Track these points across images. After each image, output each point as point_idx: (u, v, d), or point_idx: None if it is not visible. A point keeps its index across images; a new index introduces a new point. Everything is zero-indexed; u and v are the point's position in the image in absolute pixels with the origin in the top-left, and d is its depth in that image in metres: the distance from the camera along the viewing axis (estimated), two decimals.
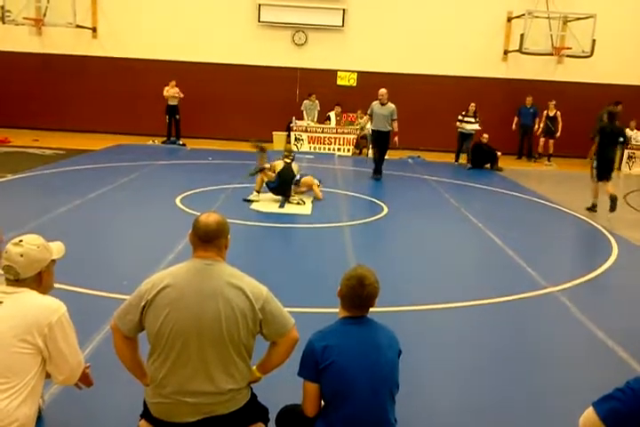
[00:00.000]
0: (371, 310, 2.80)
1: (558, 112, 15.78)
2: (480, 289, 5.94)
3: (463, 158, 14.92)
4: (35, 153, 12.97)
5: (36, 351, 2.57)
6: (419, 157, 15.52)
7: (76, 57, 16.77)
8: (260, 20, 16.69)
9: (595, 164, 10.08)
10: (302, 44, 17.02)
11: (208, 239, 2.73)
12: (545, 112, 15.94)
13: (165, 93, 15.33)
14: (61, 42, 16.65)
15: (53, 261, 2.79)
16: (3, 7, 15.26)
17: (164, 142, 15.73)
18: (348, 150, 15.81)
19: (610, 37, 15.62)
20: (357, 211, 9.18)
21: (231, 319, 2.64)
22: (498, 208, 10.17)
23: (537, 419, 3.65)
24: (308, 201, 9.44)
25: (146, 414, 2.81)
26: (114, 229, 7.64)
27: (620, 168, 15.52)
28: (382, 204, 9.52)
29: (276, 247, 7.25)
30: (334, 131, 15.83)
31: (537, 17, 15.46)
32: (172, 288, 2.66)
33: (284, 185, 9.24)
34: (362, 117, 15.87)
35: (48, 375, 2.70)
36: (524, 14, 15.44)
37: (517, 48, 15.73)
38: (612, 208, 9.56)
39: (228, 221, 2.85)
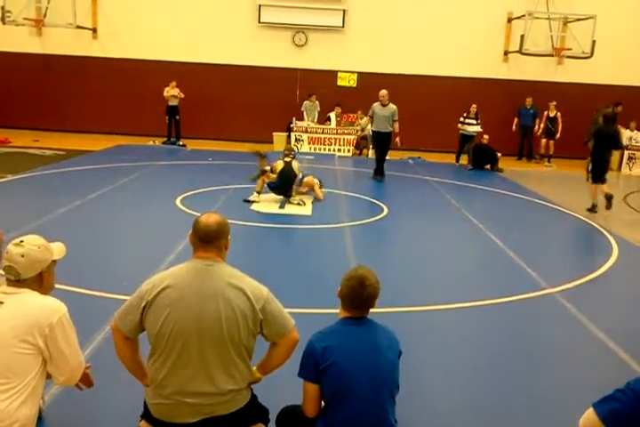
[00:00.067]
0: (371, 310, 2.80)
1: (559, 113, 15.78)
2: (480, 290, 5.94)
3: (464, 159, 14.92)
4: (35, 153, 12.97)
5: (36, 352, 2.57)
6: (419, 157, 15.52)
7: (77, 58, 16.78)
8: (261, 20, 16.69)
9: (590, 166, 10.11)
10: (302, 45, 17.03)
11: (208, 240, 2.73)
12: (545, 113, 15.95)
13: (165, 94, 15.34)
14: (61, 42, 16.65)
15: (54, 261, 2.79)
16: (3, 8, 15.27)
17: (164, 143, 15.74)
18: (349, 151, 15.82)
19: (610, 38, 15.63)
20: (358, 211, 9.18)
21: (231, 320, 2.64)
22: (498, 209, 10.17)
23: (537, 420, 3.65)
24: (309, 202, 9.44)
25: (146, 415, 2.81)
26: (114, 229, 7.65)
27: (619, 169, 15.55)
28: (382, 204, 9.52)
29: (276, 248, 7.25)
30: (334, 131, 15.83)
31: (537, 18, 15.46)
32: (172, 289, 2.66)
33: (285, 185, 9.24)
34: (362, 118, 15.87)
35: (49, 376, 2.70)
36: (524, 15, 15.45)
37: (517, 49, 15.73)
38: (609, 206, 9.66)
39: (229, 221, 2.85)
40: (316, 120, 16.35)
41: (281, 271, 5.97)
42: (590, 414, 2.00)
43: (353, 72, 17.06)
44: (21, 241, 2.69)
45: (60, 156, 12.79)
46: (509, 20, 16.73)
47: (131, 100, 16.75)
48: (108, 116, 16.86)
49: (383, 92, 11.70)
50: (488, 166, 14.43)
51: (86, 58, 16.82)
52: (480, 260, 7.36)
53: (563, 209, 10.05)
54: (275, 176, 9.22)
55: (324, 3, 16.58)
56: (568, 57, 15.89)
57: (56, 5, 15.70)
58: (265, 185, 9.26)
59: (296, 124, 15.90)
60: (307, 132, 15.80)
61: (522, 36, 15.34)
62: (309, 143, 15.75)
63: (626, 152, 15.54)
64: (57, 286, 2.89)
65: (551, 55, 15.91)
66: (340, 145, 15.78)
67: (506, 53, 16.95)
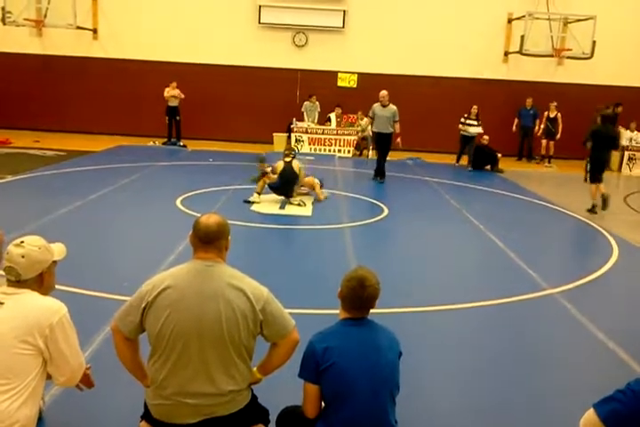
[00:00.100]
0: (371, 311, 2.80)
1: (559, 114, 15.78)
2: (481, 290, 5.94)
3: (464, 160, 14.91)
4: (35, 154, 12.97)
5: (36, 353, 2.57)
6: (418, 158, 15.52)
7: (77, 58, 16.78)
8: (261, 21, 16.69)
9: (588, 167, 10.14)
10: (303, 46, 17.03)
11: (208, 240, 2.73)
12: (546, 113, 15.95)
13: (166, 94, 15.33)
14: (62, 43, 16.66)
15: (54, 262, 2.79)
16: (3, 8, 15.27)
17: (164, 144, 15.74)
18: (349, 152, 15.82)
19: (610, 39, 15.63)
20: (358, 212, 9.18)
21: (232, 320, 2.64)
22: (498, 209, 10.17)
23: (537, 421, 3.65)
24: (309, 202, 9.45)
25: (146, 416, 2.81)
26: (114, 230, 7.65)
27: (620, 170, 15.55)
28: (383, 205, 9.52)
29: (276, 249, 7.25)
30: (335, 132, 15.83)
31: (537, 18, 15.46)
32: (172, 289, 2.67)
33: (285, 185, 9.24)
34: (362, 119, 15.87)
35: (49, 377, 2.70)
36: (524, 16, 15.45)
37: (518, 49, 15.73)
38: (604, 207, 9.73)
39: (229, 222, 2.85)
40: (316, 121, 16.36)
41: (281, 272, 5.98)
42: (591, 414, 2.00)
43: (353, 73, 17.06)
44: (22, 242, 2.69)
45: (61, 156, 12.79)
46: (509, 21, 16.73)
47: (131, 100, 16.75)
48: (109, 117, 16.86)
49: (383, 92, 11.70)
50: (488, 167, 14.43)
51: (87, 58, 16.83)
52: (480, 260, 7.36)
53: (563, 210, 10.05)
54: (275, 177, 9.22)
55: (325, 3, 16.58)
56: (568, 57, 15.89)
57: (56, 6, 15.71)
58: (266, 186, 9.26)
59: (296, 124, 15.90)
60: (307, 132, 15.80)
61: (522, 37, 15.34)
62: (309, 144, 15.75)
63: (626, 153, 15.55)
64: (57, 286, 2.89)
65: (551, 56, 15.91)
66: (340, 146, 15.78)
67: (506, 54, 16.95)
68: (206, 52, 16.67)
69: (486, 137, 14.38)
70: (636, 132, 15.84)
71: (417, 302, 5.38)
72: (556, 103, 15.79)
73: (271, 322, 2.73)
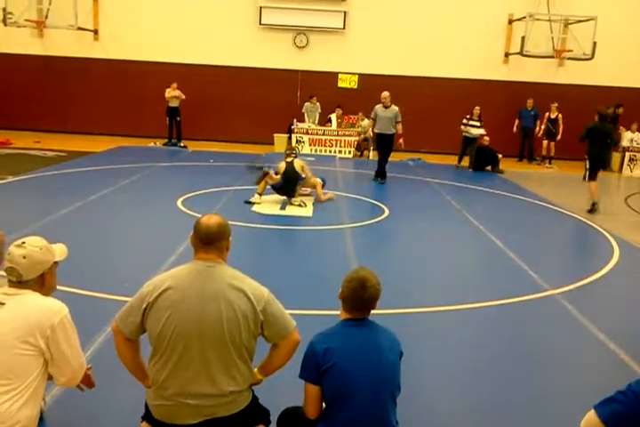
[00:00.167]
0: (372, 312, 2.80)
1: (560, 114, 15.79)
2: (481, 291, 5.94)
3: (465, 161, 14.91)
4: (36, 155, 12.98)
5: (38, 353, 2.57)
6: (419, 159, 15.53)
7: (78, 59, 16.80)
8: (262, 22, 16.71)
9: (587, 164, 10.19)
10: (303, 47, 17.04)
11: (209, 241, 2.73)
12: (547, 114, 15.95)
13: (167, 95, 15.34)
14: (63, 44, 16.68)
15: (56, 262, 2.79)
16: (4, 9, 15.28)
17: (165, 144, 15.75)
18: (349, 152, 15.82)
19: (611, 40, 15.64)
20: (358, 213, 9.18)
21: (233, 321, 2.64)
22: (499, 210, 10.17)
23: (538, 421, 3.65)
24: (310, 203, 9.45)
25: (147, 416, 2.82)
26: (115, 230, 7.65)
27: (620, 171, 15.55)
28: (383, 206, 9.52)
29: (277, 249, 7.26)
30: (335, 133, 15.83)
31: (538, 19, 15.46)
32: (173, 290, 2.67)
33: (288, 185, 9.26)
34: (363, 120, 15.88)
35: (50, 377, 2.70)
36: (524, 17, 15.47)
37: (518, 50, 15.74)
38: (591, 211, 9.89)
39: (230, 223, 2.85)
40: (316, 122, 16.37)
41: (282, 273, 5.98)
42: (591, 416, 2.00)
43: (354, 74, 17.07)
44: (23, 242, 2.69)
45: (62, 157, 12.80)
46: (510, 22, 16.74)
47: (132, 101, 16.77)
48: (110, 118, 16.88)
49: (385, 93, 11.69)
50: (489, 168, 14.43)
51: (87, 59, 16.85)
52: (481, 261, 7.36)
53: (563, 211, 10.05)
54: (278, 177, 9.24)
55: (325, 4, 16.60)
56: (569, 59, 15.89)
57: (57, 7, 15.73)
58: (266, 187, 9.26)
59: (297, 125, 15.91)
60: (307, 133, 15.80)
61: (523, 38, 15.35)
62: (310, 145, 15.75)
63: (627, 154, 15.55)
64: (58, 287, 2.89)
65: (552, 57, 15.90)
66: (340, 147, 15.79)
67: (507, 55, 16.96)
68: (207, 53, 16.69)
69: (487, 138, 14.38)
70: (636, 133, 15.83)
71: (418, 303, 5.38)
72: (556, 104, 15.80)
73: (272, 323, 2.74)
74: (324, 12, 16.59)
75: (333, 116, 16.23)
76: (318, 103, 16.35)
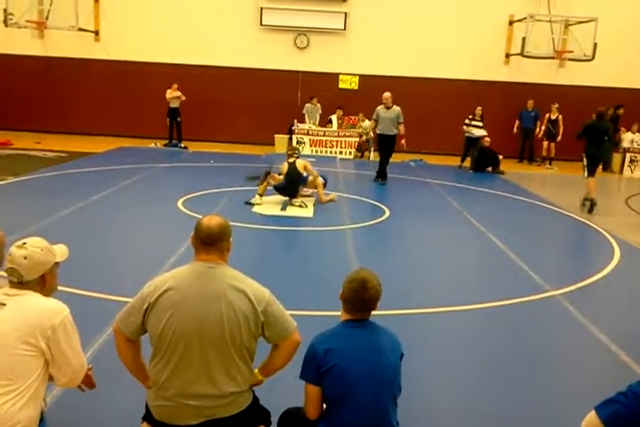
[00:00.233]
0: (373, 312, 2.80)
1: (560, 115, 15.78)
2: (482, 292, 5.94)
3: (467, 162, 14.89)
4: (37, 155, 12.99)
5: (38, 354, 2.57)
6: (421, 160, 15.53)
7: (79, 60, 16.82)
8: (262, 23, 16.72)
9: (585, 161, 10.28)
10: (304, 48, 17.05)
11: (210, 242, 2.73)
12: (547, 115, 15.95)
13: (168, 96, 15.33)
14: (64, 45, 16.69)
15: (57, 263, 2.79)
16: (5, 10, 15.29)
17: (165, 145, 15.76)
18: (350, 153, 15.83)
19: (611, 41, 15.65)
20: (359, 214, 9.18)
21: (233, 322, 2.64)
22: (500, 211, 10.17)
23: (538, 422, 3.65)
24: (310, 204, 9.45)
25: (148, 417, 2.82)
26: (116, 231, 7.65)
27: (621, 172, 15.55)
28: (384, 207, 9.52)
29: (278, 250, 7.26)
30: (336, 134, 15.84)
31: (538, 20, 15.46)
32: (174, 291, 2.67)
33: (291, 185, 9.27)
34: (363, 120, 15.88)
35: (51, 378, 2.70)
36: (525, 18, 15.47)
37: (519, 51, 15.74)
38: (591, 210, 9.97)
39: (230, 223, 2.85)
40: (317, 122, 16.38)
41: (283, 273, 5.98)
42: (592, 416, 2.00)
43: (354, 74, 17.08)
44: (24, 243, 2.69)
45: (62, 158, 12.81)
46: (511, 23, 16.75)
47: (132, 102, 16.78)
48: (110, 119, 16.90)
49: (387, 94, 11.67)
50: (489, 169, 14.43)
51: (88, 60, 16.87)
52: (481, 262, 7.36)
53: (564, 211, 10.05)
54: (281, 178, 9.25)
55: (326, 5, 16.61)
56: (569, 59, 15.89)
57: (58, 8, 15.74)
58: (267, 188, 9.26)
59: (297, 126, 15.91)
60: (308, 134, 15.81)
61: (523, 39, 15.36)
62: (311, 146, 15.75)
63: (627, 155, 15.54)
64: (59, 287, 2.89)
65: (553, 58, 15.90)
66: (341, 147, 15.80)
67: (507, 56, 16.96)
68: (207, 54, 16.70)
69: (488, 139, 14.38)
70: (637, 133, 15.82)
71: (418, 304, 5.38)
72: (557, 105, 15.79)
73: (272, 323, 2.74)
74: (325, 12, 16.60)
75: (334, 117, 16.24)
76: (319, 104, 16.36)
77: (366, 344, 2.72)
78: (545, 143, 16.12)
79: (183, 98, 15.42)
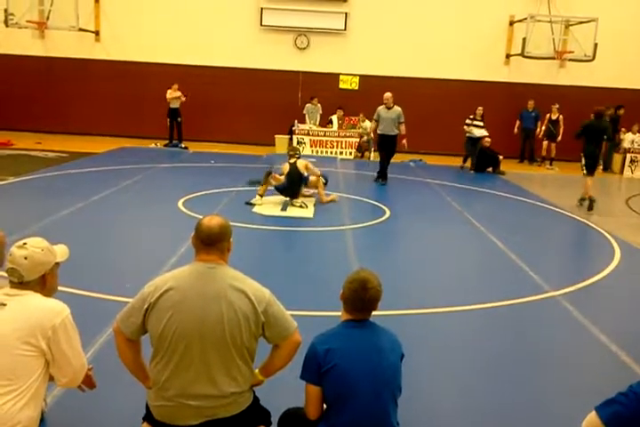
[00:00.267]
0: (373, 313, 2.80)
1: (561, 116, 15.78)
2: (482, 292, 5.94)
3: (468, 162, 14.87)
4: (37, 156, 12.99)
5: (39, 354, 2.57)
6: (420, 160, 15.53)
7: (79, 60, 16.84)
8: (263, 23, 16.72)
9: (583, 161, 10.36)
10: (304, 48, 17.06)
11: (211, 242, 2.73)
12: (547, 115, 15.95)
13: (169, 96, 15.32)
14: (64, 45, 16.71)
15: (57, 263, 2.79)
16: (6, 10, 15.30)
17: (166, 145, 15.76)
18: (350, 154, 15.83)
19: (612, 41, 15.65)
20: (359, 214, 9.18)
21: (234, 322, 2.64)
22: (500, 212, 10.17)
23: (539, 423, 3.65)
24: (311, 204, 9.45)
25: (148, 417, 2.82)
26: (117, 231, 7.65)
27: (622, 172, 15.55)
28: (384, 207, 9.52)
29: (278, 250, 7.26)
30: (336, 134, 15.84)
31: (539, 21, 15.47)
32: (174, 291, 2.67)
33: (292, 186, 9.28)
34: (364, 121, 15.88)
35: (51, 378, 2.70)
36: (526, 18, 15.47)
37: (519, 52, 15.74)
38: (590, 208, 10.12)
39: (231, 224, 2.85)
40: (317, 123, 16.38)
41: (283, 274, 5.98)
42: (593, 417, 2.00)
43: (355, 75, 17.09)
44: (25, 243, 2.69)
45: (63, 158, 12.81)
46: (511, 24, 16.75)
47: (133, 102, 16.79)
48: (111, 119, 16.91)
49: (388, 94, 11.66)
50: (490, 169, 14.42)
51: (89, 60, 16.88)
52: (482, 262, 7.35)
53: (565, 212, 10.05)
54: (282, 178, 9.25)
55: (326, 6, 16.61)
56: (570, 60, 15.90)
57: (59, 8, 15.75)
58: (267, 188, 9.26)
59: (298, 126, 15.92)
60: (309, 134, 15.81)
61: (524, 39, 15.36)
62: (311, 146, 15.76)
63: (628, 155, 15.54)
64: (60, 288, 2.89)
65: (553, 58, 15.91)
66: (341, 148, 15.80)
67: (508, 56, 16.96)
68: (208, 54, 16.71)
69: (488, 139, 14.37)
70: (637, 134, 15.82)
71: (419, 304, 5.38)
72: (557, 105, 15.79)
73: (273, 324, 2.74)
74: (325, 13, 16.61)
75: (334, 118, 16.24)
76: (319, 104, 16.36)
77: (366, 344, 2.72)
78: (544, 143, 16.12)
79: (183, 98, 15.41)
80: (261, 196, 9.23)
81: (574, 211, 10.09)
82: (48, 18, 16.02)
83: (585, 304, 5.67)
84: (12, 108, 16.58)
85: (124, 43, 16.76)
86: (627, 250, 7.72)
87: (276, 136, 15.91)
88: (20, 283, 2.66)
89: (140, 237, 7.47)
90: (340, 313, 2.85)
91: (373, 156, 15.14)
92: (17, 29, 15.83)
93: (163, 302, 2.66)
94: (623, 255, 7.42)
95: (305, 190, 9.76)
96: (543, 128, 16.05)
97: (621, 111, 15.95)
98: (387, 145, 11.84)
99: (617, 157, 15.84)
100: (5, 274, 2.69)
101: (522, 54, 15.64)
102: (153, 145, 15.78)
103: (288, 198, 9.43)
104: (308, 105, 16.43)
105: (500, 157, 14.39)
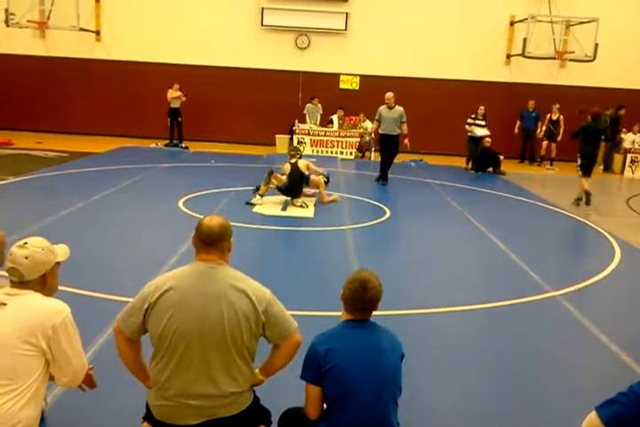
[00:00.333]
0: (373, 313, 2.80)
1: (561, 116, 15.78)
2: (482, 293, 5.94)
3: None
4: (38, 155, 12.99)
5: (39, 353, 2.57)
6: (421, 160, 15.53)
7: (80, 60, 16.84)
8: (263, 23, 16.72)
9: (579, 162, 10.43)
10: (305, 48, 17.06)
11: (211, 242, 2.73)
12: (548, 116, 15.95)
13: (169, 96, 15.32)
14: (65, 45, 16.71)
15: (58, 263, 2.79)
16: (7, 10, 15.30)
17: (166, 145, 15.76)
18: (351, 153, 15.83)
19: (612, 41, 15.64)
20: (360, 214, 9.18)
21: (234, 322, 2.64)
22: (500, 212, 10.17)
23: (539, 423, 3.65)
24: (311, 204, 9.45)
25: (148, 417, 2.82)
26: (117, 231, 7.65)
27: (622, 172, 15.54)
28: (385, 207, 9.52)
29: (278, 250, 7.26)
30: (337, 134, 15.84)
31: (540, 21, 15.47)
32: (175, 291, 2.67)
33: (294, 185, 9.29)
34: (364, 121, 15.88)
35: (51, 377, 2.70)
36: (526, 18, 15.47)
37: (520, 52, 15.74)
38: (588, 202, 10.34)
39: (231, 224, 2.85)
40: (318, 123, 16.38)
41: (283, 273, 5.98)
42: (593, 417, 2.00)
43: (355, 75, 17.09)
44: (25, 243, 2.69)
45: (63, 158, 12.81)
46: (512, 24, 16.75)
47: (133, 102, 16.79)
48: (111, 119, 16.91)
49: (389, 94, 11.63)
50: (490, 169, 14.42)
51: (89, 60, 16.88)
52: (482, 262, 7.35)
53: (565, 212, 10.05)
54: (284, 178, 9.26)
55: (327, 6, 16.61)
56: (571, 60, 15.89)
57: (59, 8, 15.76)
58: (268, 188, 9.27)
59: (298, 126, 15.92)
60: (309, 134, 15.81)
61: (524, 40, 15.36)
62: (312, 146, 15.76)
63: (628, 155, 15.54)
64: (60, 287, 2.89)
65: (554, 58, 15.90)
66: (342, 148, 15.80)
67: (508, 56, 16.96)
68: (208, 54, 16.71)
69: (489, 139, 14.37)
70: (638, 134, 15.82)
71: (419, 304, 5.38)
72: (558, 105, 15.78)
73: (273, 324, 2.74)
74: (326, 13, 16.60)
75: (335, 118, 16.24)
76: (320, 104, 16.37)
77: (367, 344, 2.72)
78: (544, 143, 16.12)
79: (184, 98, 15.40)
80: (262, 196, 9.23)
81: (574, 211, 10.09)
82: (49, 18, 16.02)
83: (585, 304, 5.67)
84: (13, 107, 16.59)
85: (124, 42, 16.76)
86: (627, 250, 7.72)
87: (276, 136, 15.91)
88: (20, 282, 2.66)
89: (141, 236, 7.47)
90: (340, 313, 2.85)
91: (374, 156, 15.14)
92: (17, 29, 15.83)
93: (163, 301, 2.66)
94: (623, 255, 7.42)
95: (306, 190, 9.77)
96: (543, 128, 16.05)
97: (622, 111, 15.94)
98: (389, 145, 11.79)
99: (617, 158, 15.83)
100: (6, 273, 2.70)
101: (522, 54, 15.63)
102: (153, 145, 15.77)
103: (289, 198, 9.43)
104: (308, 105, 16.43)
105: (501, 158, 14.39)
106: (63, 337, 2.60)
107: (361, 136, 15.81)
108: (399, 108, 11.61)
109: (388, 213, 9.11)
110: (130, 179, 10.65)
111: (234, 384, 2.69)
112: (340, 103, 16.21)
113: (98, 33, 16.86)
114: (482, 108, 14.62)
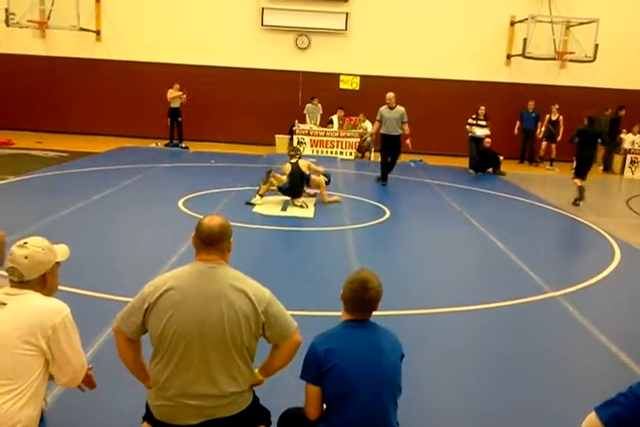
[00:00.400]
0: (373, 313, 2.80)
1: (561, 116, 15.78)
2: (482, 293, 5.94)
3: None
4: (38, 155, 12.99)
5: (39, 353, 2.57)
6: (421, 160, 15.53)
7: (80, 60, 16.84)
8: (264, 23, 16.73)
9: (574, 164, 10.65)
10: (305, 48, 17.06)
11: (211, 242, 2.73)
12: (547, 116, 15.95)
13: (169, 96, 15.32)
14: (65, 45, 16.71)
15: (58, 263, 2.79)
16: (7, 10, 15.30)
17: (166, 145, 15.76)
18: (351, 154, 15.83)
19: (612, 42, 15.64)
20: (360, 214, 9.18)
21: (234, 322, 2.64)
22: (500, 212, 10.17)
23: (539, 423, 3.65)
24: (311, 204, 9.45)
25: (148, 417, 2.82)
26: (117, 231, 7.65)
27: (622, 173, 15.55)
28: (385, 207, 9.52)
29: (278, 250, 7.26)
30: (337, 134, 15.84)
31: (540, 21, 15.47)
32: (175, 291, 2.67)
33: (295, 186, 9.30)
34: (364, 121, 15.88)
35: (51, 377, 2.70)
36: (527, 19, 15.47)
37: (520, 52, 15.74)
38: (581, 197, 10.46)
39: (231, 224, 2.85)
40: (318, 123, 16.38)
41: (283, 274, 5.98)
42: (592, 418, 2.00)
43: (355, 75, 17.09)
44: (25, 243, 2.69)
45: (63, 157, 12.81)
46: (512, 24, 16.75)
47: (134, 102, 16.79)
48: (111, 118, 16.91)
49: (390, 94, 11.60)
50: (490, 170, 14.42)
51: (89, 60, 16.88)
52: (482, 263, 7.36)
53: (565, 213, 10.05)
54: (284, 178, 9.26)
55: (327, 6, 16.61)
56: (571, 61, 15.90)
57: (60, 8, 15.76)
58: (268, 188, 9.27)
59: (298, 126, 15.92)
60: (309, 134, 15.81)
61: (524, 40, 15.36)
62: (312, 146, 15.76)
63: (628, 156, 15.54)
64: (60, 287, 2.89)
65: (554, 59, 15.91)
66: (342, 148, 15.80)
67: (508, 57, 16.96)
68: (209, 54, 16.71)
69: (488, 140, 14.37)
70: (638, 135, 15.82)
71: (419, 305, 5.38)
72: (557, 106, 15.79)
73: (273, 324, 2.74)
74: (326, 13, 16.61)
75: (335, 118, 16.24)
76: (320, 104, 16.36)
77: (367, 345, 2.72)
78: (543, 144, 16.12)
79: (184, 98, 15.40)
80: (262, 196, 9.23)
81: (574, 211, 10.09)
82: (49, 17, 16.03)
83: (585, 305, 5.67)
84: (13, 107, 16.59)
85: (124, 42, 16.76)
86: (627, 251, 7.72)
87: (276, 136, 15.91)
88: (20, 282, 2.66)
89: (141, 236, 7.47)
90: (340, 313, 2.85)
91: (374, 156, 15.14)
92: (18, 29, 15.83)
93: (163, 301, 2.66)
94: (623, 256, 7.42)
95: (307, 190, 9.77)
96: (543, 129, 16.05)
97: (622, 112, 15.95)
98: (391, 146, 11.67)
99: (617, 158, 15.84)
100: (6, 273, 2.69)
101: (522, 55, 15.64)
102: (153, 145, 15.77)
103: (289, 198, 9.44)
104: (308, 105, 16.43)
105: (501, 158, 14.39)
106: (63, 337, 2.60)
107: (361, 136, 15.81)
108: (400, 109, 11.57)
109: (388, 214, 9.11)
110: (130, 179, 10.65)
111: (234, 384, 2.69)
112: (340, 103, 16.21)
113: (98, 33, 16.87)
114: (482, 108, 14.61)
